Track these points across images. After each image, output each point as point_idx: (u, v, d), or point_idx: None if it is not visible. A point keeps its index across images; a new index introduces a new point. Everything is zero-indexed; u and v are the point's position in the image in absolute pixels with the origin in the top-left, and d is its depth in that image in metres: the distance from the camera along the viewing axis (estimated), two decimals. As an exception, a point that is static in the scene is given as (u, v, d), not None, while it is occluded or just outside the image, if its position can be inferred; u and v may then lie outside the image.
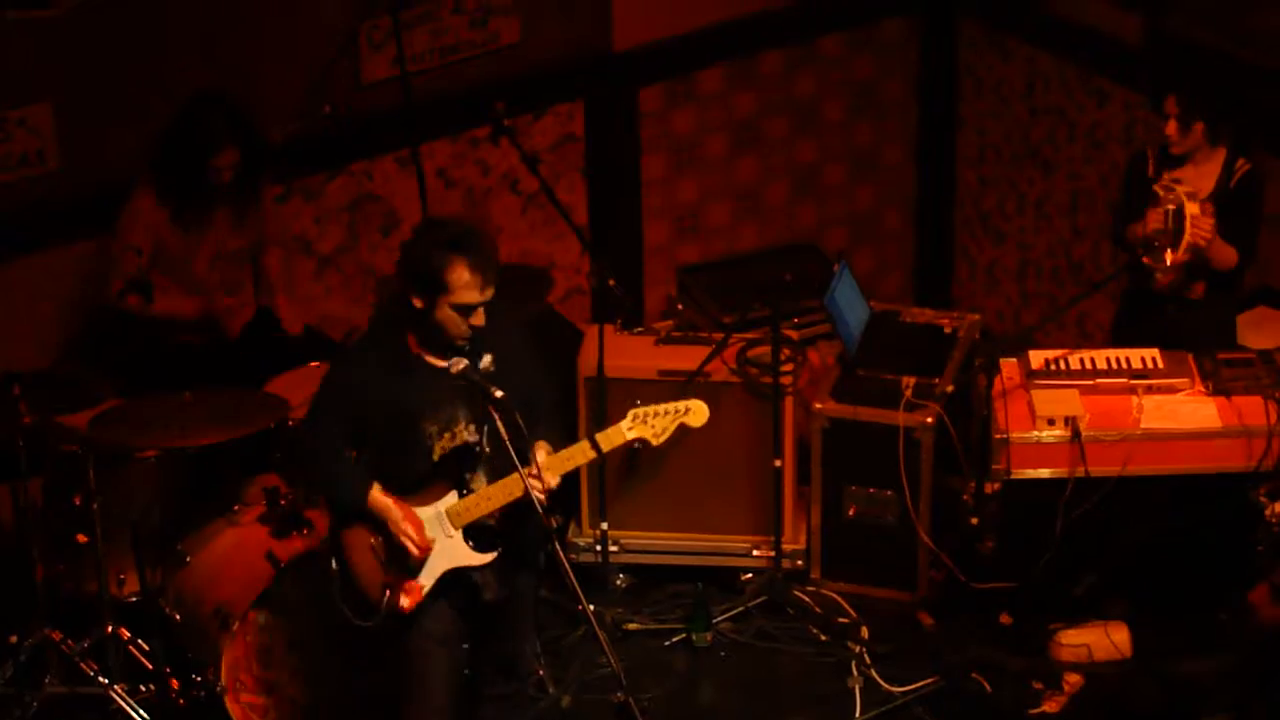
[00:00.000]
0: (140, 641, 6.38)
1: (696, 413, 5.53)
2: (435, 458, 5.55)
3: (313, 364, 6.80)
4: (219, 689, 6.08)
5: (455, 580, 5.60)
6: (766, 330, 6.83)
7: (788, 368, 6.84)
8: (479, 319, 5.40)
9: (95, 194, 6.97)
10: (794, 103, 8.51)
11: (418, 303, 5.40)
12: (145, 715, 6.19)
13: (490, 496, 5.52)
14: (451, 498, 5.57)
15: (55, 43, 6.86)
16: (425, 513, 5.56)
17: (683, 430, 5.55)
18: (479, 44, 7.64)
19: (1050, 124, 8.36)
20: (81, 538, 6.31)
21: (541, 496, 5.43)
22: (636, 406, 5.52)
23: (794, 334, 7.09)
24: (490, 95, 6.96)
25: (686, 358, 6.90)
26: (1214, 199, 6.51)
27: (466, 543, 5.58)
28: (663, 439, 5.53)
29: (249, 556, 6.22)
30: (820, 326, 7.49)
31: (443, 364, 5.44)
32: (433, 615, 5.61)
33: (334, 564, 5.64)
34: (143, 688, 6.27)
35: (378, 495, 5.54)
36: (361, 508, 5.55)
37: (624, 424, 5.51)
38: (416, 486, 5.57)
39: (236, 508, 6.44)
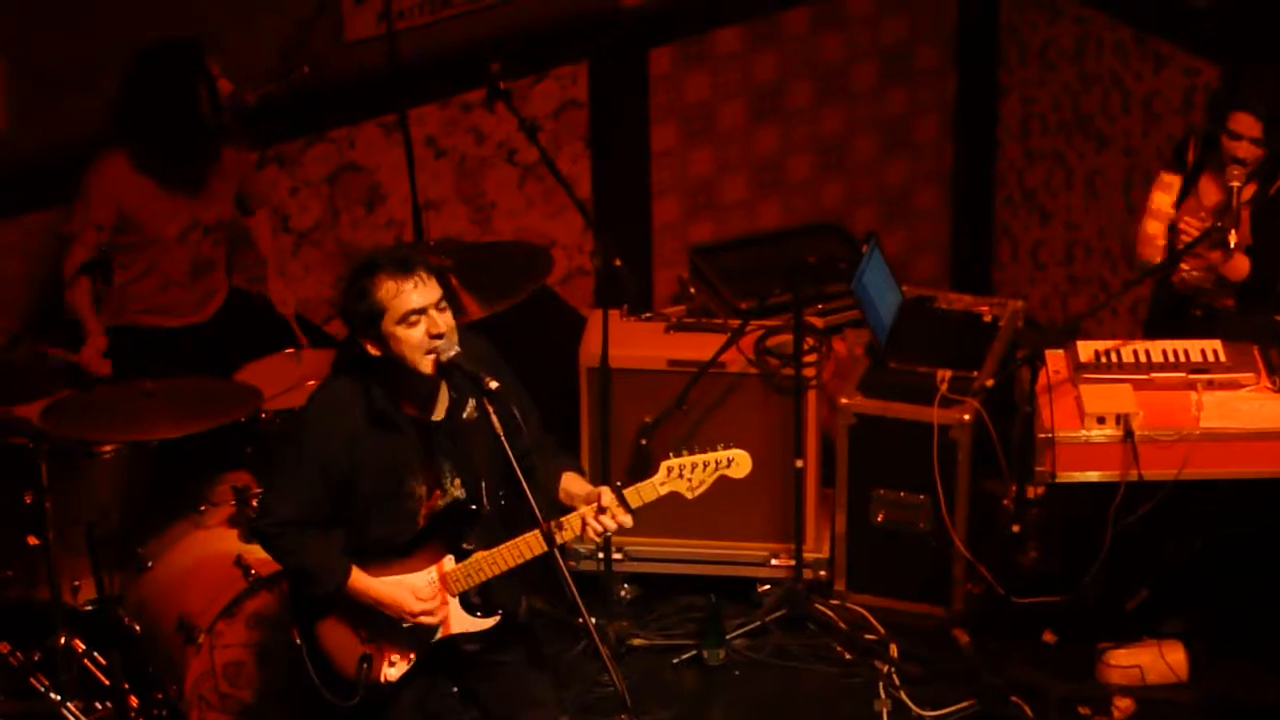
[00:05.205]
0: (96, 654, 6.38)
1: (739, 464, 5.46)
2: (421, 521, 5.51)
3: (288, 350, 6.81)
4: (182, 706, 6.09)
5: (441, 647, 5.57)
6: (787, 317, 6.87)
7: (811, 359, 6.89)
8: (438, 325, 5.31)
9: (48, 161, 7.02)
10: (820, 67, 8.57)
11: (373, 349, 5.36)
12: (100, 735, 6.26)
13: (497, 560, 5.45)
14: (448, 562, 5.50)
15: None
16: (417, 579, 5.49)
17: (721, 483, 5.51)
18: (473, -1, 7.64)
19: (1103, 92, 8.41)
20: (32, 540, 6.33)
21: (595, 536, 5.43)
22: (670, 458, 5.44)
23: (818, 321, 7.18)
24: (485, 55, 6.96)
25: (699, 347, 6.94)
26: (1251, 204, 6.57)
27: (464, 608, 5.53)
28: (698, 493, 5.47)
29: (216, 562, 6.24)
30: (847, 313, 7.59)
31: (421, 414, 5.41)
32: (406, 707, 5.59)
33: (298, 637, 5.56)
34: (98, 705, 6.28)
35: (359, 580, 5.46)
36: (340, 597, 5.49)
37: (657, 478, 5.43)
38: (402, 553, 5.51)
39: (203, 508, 6.47)
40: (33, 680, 6.30)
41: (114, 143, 6.76)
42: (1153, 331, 6.90)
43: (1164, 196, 6.74)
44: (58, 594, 6.30)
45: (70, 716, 6.19)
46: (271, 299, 7.09)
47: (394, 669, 5.52)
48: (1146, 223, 6.76)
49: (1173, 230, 6.66)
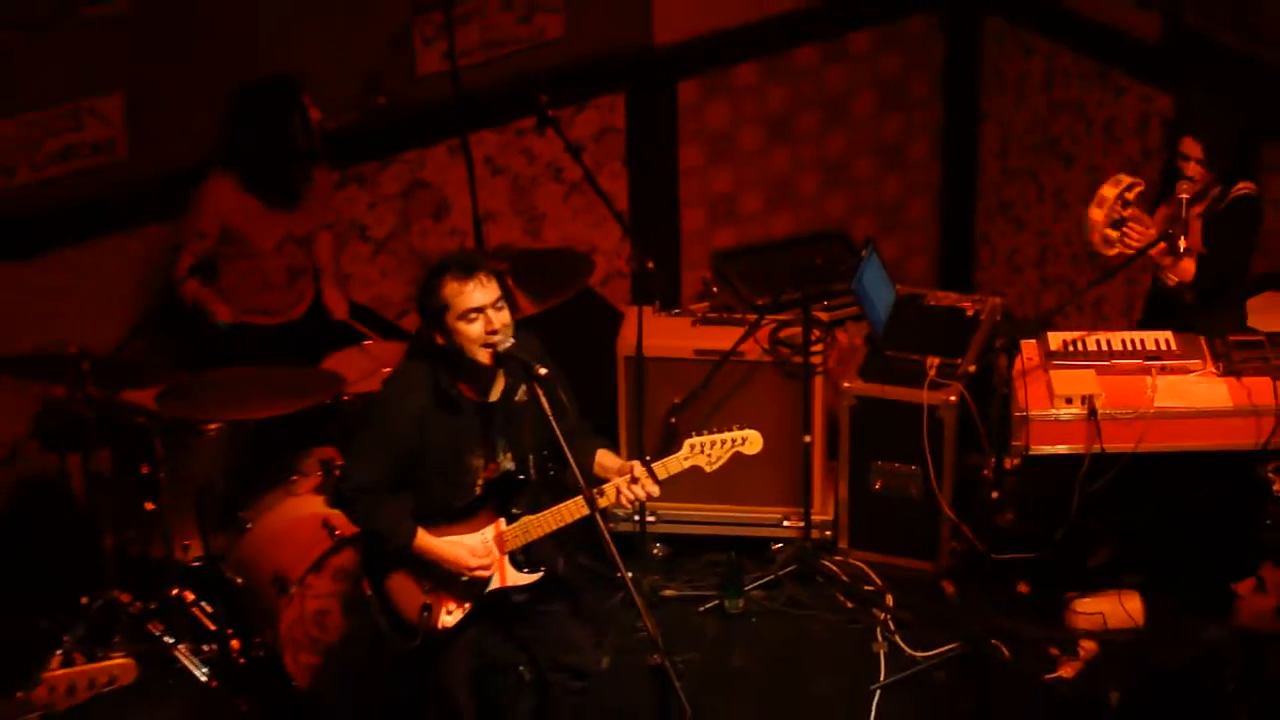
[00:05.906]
0: (204, 604, 6.59)
1: (752, 442, 5.61)
2: (478, 490, 5.66)
3: (367, 342, 7.00)
4: (277, 647, 6.30)
5: (492, 598, 5.73)
6: (798, 312, 7.00)
7: (818, 348, 7.03)
8: (496, 321, 5.45)
9: (162, 180, 7.20)
10: (825, 97, 8.68)
11: (440, 339, 5.52)
12: (207, 673, 6.39)
13: (543, 523, 5.61)
14: (500, 524, 5.67)
15: (125, 36, 7.11)
16: (473, 539, 5.66)
17: (737, 458, 5.66)
18: (525, 39, 7.85)
19: (1070, 117, 8.49)
20: (149, 505, 6.52)
21: (628, 503, 5.58)
22: (693, 437, 5.59)
23: (824, 316, 7.28)
24: (535, 88, 7.11)
25: (721, 338, 7.08)
26: (1203, 215, 6.68)
27: (512, 564, 5.70)
28: (716, 466, 5.61)
29: (306, 524, 6.44)
30: (849, 309, 7.65)
31: (479, 396, 5.58)
32: (462, 650, 5.77)
33: (368, 587, 5.71)
34: (205, 647, 6.48)
35: (424, 540, 5.61)
36: (407, 554, 5.64)
37: (681, 454, 5.58)
38: (460, 516, 5.67)
39: (294, 478, 6.67)
40: (149, 626, 6.48)
41: (220, 165, 6.89)
42: (1147, 323, 6.93)
43: (1110, 189, 6.68)
44: (170, 552, 6.53)
45: (182, 657, 6.38)
46: (326, 304, 7.19)
47: (451, 617, 5.69)
48: (1090, 208, 6.71)
49: (1117, 224, 6.65)
